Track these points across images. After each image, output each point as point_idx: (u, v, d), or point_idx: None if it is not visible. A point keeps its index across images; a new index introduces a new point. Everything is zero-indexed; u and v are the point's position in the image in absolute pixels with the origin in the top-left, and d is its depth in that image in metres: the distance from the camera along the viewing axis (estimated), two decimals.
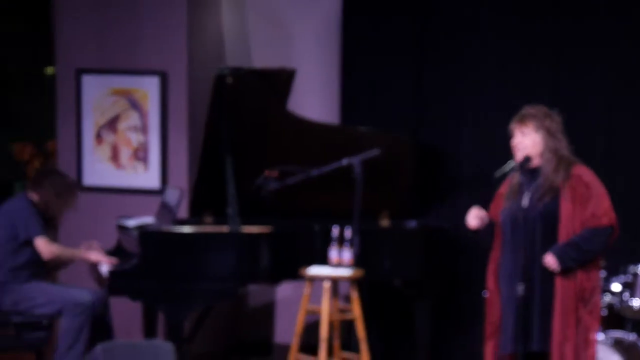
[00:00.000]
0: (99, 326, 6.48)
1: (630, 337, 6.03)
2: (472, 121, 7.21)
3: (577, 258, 5.00)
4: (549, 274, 5.02)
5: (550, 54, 7.02)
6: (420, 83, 7.34)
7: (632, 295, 6.11)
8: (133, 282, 6.27)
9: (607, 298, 6.16)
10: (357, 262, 6.23)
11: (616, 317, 6.20)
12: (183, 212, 6.92)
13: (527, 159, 5.11)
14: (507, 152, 5.29)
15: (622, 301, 6.13)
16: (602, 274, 6.00)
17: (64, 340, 6.37)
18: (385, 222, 6.92)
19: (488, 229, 5.23)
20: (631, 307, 6.11)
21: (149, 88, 7.47)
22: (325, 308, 6.17)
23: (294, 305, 7.33)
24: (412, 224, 6.88)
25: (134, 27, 7.47)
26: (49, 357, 6.61)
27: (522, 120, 5.14)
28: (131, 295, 6.35)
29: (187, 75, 7.41)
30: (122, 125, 7.55)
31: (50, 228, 6.63)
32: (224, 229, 6.37)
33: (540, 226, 5.05)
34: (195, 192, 6.83)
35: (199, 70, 7.47)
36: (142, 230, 6.41)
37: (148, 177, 7.53)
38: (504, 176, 5.21)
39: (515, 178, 5.18)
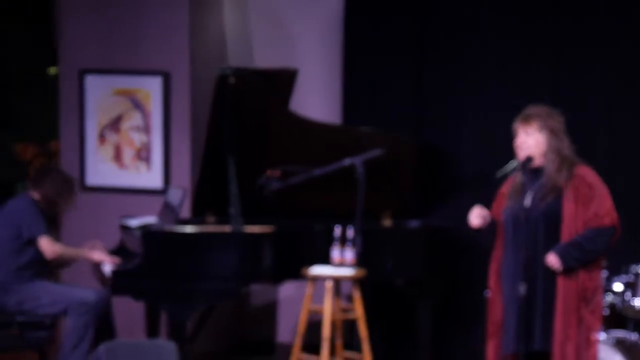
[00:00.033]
0: (102, 326, 6.48)
1: (632, 336, 6.02)
2: (473, 121, 7.21)
3: (580, 258, 5.00)
4: (551, 274, 5.02)
5: (551, 53, 7.03)
6: (421, 83, 7.34)
7: (634, 295, 6.11)
8: (136, 282, 6.27)
9: (609, 298, 6.15)
10: (359, 261, 6.23)
11: (618, 317, 6.19)
12: (186, 211, 6.93)
13: (529, 159, 5.11)
14: (508, 152, 5.29)
15: (623, 301, 6.12)
16: (604, 273, 6.00)
17: (69, 339, 6.37)
18: (387, 222, 6.93)
19: (490, 228, 5.23)
20: (633, 307, 6.10)
21: (151, 88, 7.48)
22: (327, 308, 6.18)
23: (296, 305, 7.34)
24: (414, 223, 6.88)
25: (136, 27, 7.47)
26: (52, 357, 6.63)
27: (526, 120, 5.14)
28: (134, 295, 6.36)
29: (190, 76, 7.42)
30: (124, 125, 7.55)
31: (52, 227, 6.64)
32: (227, 228, 6.37)
33: (542, 226, 5.05)
34: (197, 192, 6.84)
35: (201, 71, 7.48)
36: (145, 230, 6.42)
37: (151, 177, 7.53)
38: (506, 176, 5.21)
39: (518, 177, 5.18)
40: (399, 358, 7.35)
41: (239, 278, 6.26)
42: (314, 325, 6.62)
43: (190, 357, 6.45)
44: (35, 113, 10.08)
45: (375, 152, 6.31)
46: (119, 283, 6.32)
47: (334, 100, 7.66)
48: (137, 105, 7.52)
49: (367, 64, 7.46)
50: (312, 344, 6.53)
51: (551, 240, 5.04)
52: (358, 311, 6.27)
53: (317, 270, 6.27)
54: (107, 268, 6.51)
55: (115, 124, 7.57)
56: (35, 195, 6.55)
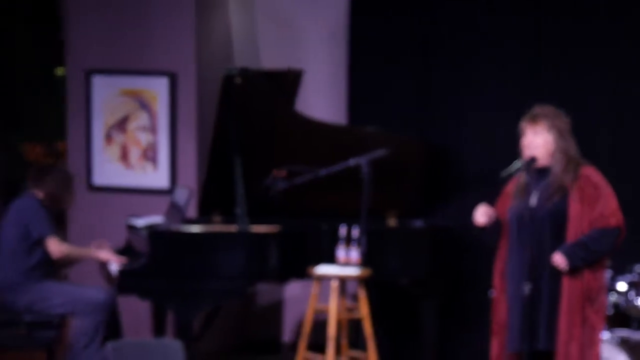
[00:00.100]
0: (108, 325, 6.49)
1: (636, 336, 6.02)
2: (477, 121, 7.21)
3: (586, 258, 5.00)
4: (556, 273, 5.02)
5: (554, 54, 7.04)
6: (426, 83, 7.36)
7: (638, 294, 6.11)
8: (142, 281, 6.30)
9: (613, 297, 6.16)
10: (365, 261, 6.25)
11: (622, 316, 6.20)
12: (192, 211, 6.94)
13: (533, 160, 5.11)
14: (512, 152, 5.28)
15: (627, 300, 6.14)
16: (608, 273, 6.02)
17: (80, 340, 6.39)
18: (392, 222, 6.94)
19: (495, 227, 5.22)
20: (637, 307, 6.11)
21: (158, 89, 7.50)
22: (333, 307, 6.20)
23: (302, 304, 7.36)
24: (418, 223, 6.89)
25: (143, 28, 7.49)
26: (60, 356, 6.65)
27: (534, 120, 5.13)
28: (140, 294, 6.38)
29: (196, 76, 7.44)
30: (131, 125, 7.57)
31: (59, 226, 6.67)
32: (233, 228, 6.38)
33: (548, 226, 5.05)
34: (204, 192, 6.85)
35: (207, 71, 7.50)
36: (152, 229, 6.43)
37: (157, 176, 7.55)
38: (510, 176, 5.21)
39: (522, 177, 5.18)
40: (404, 357, 7.35)
41: (245, 277, 6.27)
42: (319, 325, 6.64)
43: (196, 356, 6.45)
44: (42, 113, 10.10)
45: (380, 152, 6.32)
46: (126, 282, 6.34)
47: (339, 100, 7.67)
48: (144, 105, 7.54)
49: (372, 64, 7.47)
50: (317, 343, 6.54)
51: (557, 240, 5.03)
52: (363, 310, 6.28)
53: (323, 269, 6.29)
54: (114, 267, 6.53)
55: (121, 124, 7.59)
56: (39, 194, 6.57)
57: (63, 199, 6.68)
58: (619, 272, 6.19)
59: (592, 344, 5.05)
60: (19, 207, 6.55)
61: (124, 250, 6.80)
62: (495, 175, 5.26)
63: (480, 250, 6.48)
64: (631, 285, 6.15)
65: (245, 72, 6.50)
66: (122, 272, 6.37)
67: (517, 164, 5.14)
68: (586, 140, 5.24)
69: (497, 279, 5.27)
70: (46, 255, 6.45)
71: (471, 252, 6.98)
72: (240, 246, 6.28)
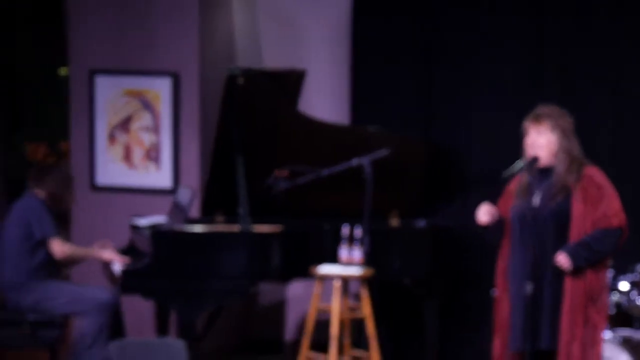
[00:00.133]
0: (112, 325, 6.51)
1: (638, 335, 6.03)
2: (480, 121, 7.22)
3: (589, 258, 5.00)
4: (558, 273, 5.02)
5: (557, 54, 7.05)
6: (428, 83, 7.36)
7: None
8: (145, 281, 6.31)
9: (615, 297, 6.16)
10: (367, 261, 6.26)
11: (624, 316, 6.20)
12: (195, 211, 6.96)
13: (535, 160, 5.11)
14: (514, 152, 5.29)
15: (629, 300, 6.14)
16: (610, 273, 6.03)
17: (85, 339, 6.40)
18: (394, 222, 6.94)
19: (498, 225, 5.21)
20: (639, 306, 6.11)
21: (161, 89, 7.51)
22: (335, 306, 6.21)
23: (304, 304, 7.36)
24: (421, 223, 6.89)
25: (146, 28, 7.49)
26: (63, 355, 6.66)
27: (538, 119, 5.12)
28: (144, 294, 6.39)
29: (199, 76, 7.45)
30: (134, 125, 7.59)
31: (62, 225, 6.68)
32: (236, 228, 6.39)
33: (551, 225, 5.05)
34: (206, 192, 6.86)
35: (210, 71, 7.51)
36: (155, 229, 6.45)
37: (160, 176, 7.56)
38: (512, 176, 5.21)
39: (525, 176, 5.18)
40: (407, 356, 7.36)
41: (247, 277, 6.29)
42: (322, 324, 6.65)
43: (199, 355, 6.46)
44: (46, 113, 10.11)
45: (383, 152, 6.33)
46: (129, 282, 6.36)
47: (342, 100, 7.68)
48: (147, 105, 7.55)
49: (375, 64, 7.48)
50: (320, 342, 6.55)
51: (559, 240, 5.04)
52: (366, 310, 6.30)
53: (325, 269, 6.30)
54: (117, 267, 6.55)
55: (125, 125, 7.60)
56: (40, 193, 6.58)
57: (64, 199, 6.70)
58: (621, 271, 6.20)
59: (594, 344, 5.05)
60: (22, 207, 6.56)
61: (127, 250, 6.81)
62: (497, 175, 5.26)
63: (482, 250, 6.49)
64: (633, 284, 6.16)
65: (248, 73, 6.52)
66: (126, 272, 6.38)
67: (519, 164, 5.14)
68: (586, 140, 5.24)
69: (499, 279, 5.27)
70: (49, 255, 6.47)
71: (473, 252, 6.99)
72: (243, 246, 6.29)
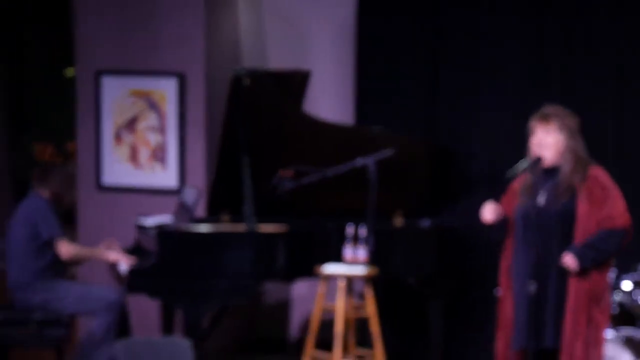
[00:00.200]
0: (118, 324, 6.54)
1: None
2: (484, 121, 7.23)
3: (595, 259, 5.01)
4: (563, 273, 5.03)
5: (560, 54, 7.06)
6: (433, 83, 7.38)
7: None
8: (151, 281, 6.32)
9: (618, 296, 6.16)
10: (372, 260, 6.28)
11: (627, 315, 6.20)
12: (200, 211, 6.97)
13: (538, 160, 5.11)
14: (518, 152, 5.30)
15: (632, 299, 6.15)
16: (613, 272, 6.04)
17: (92, 338, 6.43)
18: (399, 221, 6.95)
19: (502, 224, 5.22)
20: None
21: (167, 89, 7.53)
22: (340, 305, 6.22)
23: (309, 303, 7.39)
24: (425, 223, 6.89)
25: (152, 29, 7.51)
26: (69, 354, 6.69)
27: (546, 119, 5.12)
28: (150, 293, 6.40)
29: (205, 77, 7.46)
30: (140, 125, 7.61)
31: (68, 225, 6.70)
32: (241, 228, 6.41)
33: (556, 225, 5.06)
34: (212, 192, 6.87)
35: (216, 72, 7.52)
36: (161, 229, 6.46)
37: (166, 176, 7.59)
38: (516, 176, 5.22)
39: (529, 175, 5.17)
40: (411, 355, 7.37)
41: (253, 277, 6.29)
42: (326, 323, 6.66)
43: (204, 354, 6.48)
44: (52, 114, 10.14)
45: (387, 153, 6.34)
46: (135, 281, 6.38)
47: (346, 100, 7.69)
48: (153, 106, 7.57)
49: (379, 64, 7.49)
50: (324, 341, 6.55)
51: (564, 239, 5.05)
52: (370, 309, 6.31)
53: (330, 268, 6.31)
54: (123, 267, 6.57)
55: (131, 125, 7.62)
56: (45, 193, 6.61)
57: (67, 198, 6.74)
58: (624, 271, 6.20)
59: (596, 343, 5.07)
60: (27, 208, 6.59)
61: (133, 250, 6.82)
62: (500, 175, 5.27)
63: (486, 249, 6.52)
64: (636, 284, 6.16)
65: (253, 73, 6.52)
66: (132, 272, 6.41)
67: (522, 164, 5.14)
68: (587, 140, 5.26)
69: (502, 277, 5.28)
70: (56, 255, 6.49)
71: (477, 251, 7.00)
72: (249, 246, 6.30)
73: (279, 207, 6.60)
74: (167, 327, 7.03)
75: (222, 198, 6.82)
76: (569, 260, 5.00)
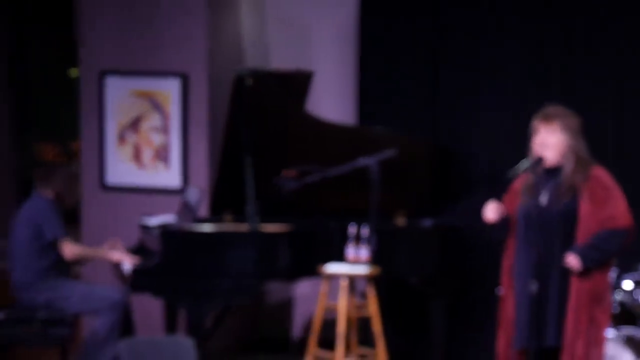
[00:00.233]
0: (122, 323, 6.56)
1: None
2: (486, 121, 7.23)
3: (598, 259, 5.02)
4: (565, 273, 5.04)
5: (561, 54, 7.06)
6: (435, 83, 7.38)
7: None
8: (155, 280, 6.34)
9: (619, 295, 6.17)
10: (374, 259, 6.30)
11: (628, 314, 6.21)
12: (204, 211, 7.00)
13: (540, 160, 5.12)
14: (520, 152, 5.31)
15: (633, 299, 6.16)
16: (614, 271, 6.05)
17: (98, 336, 6.44)
18: (401, 221, 6.96)
19: (504, 223, 5.23)
20: None
21: (170, 89, 7.54)
22: (342, 305, 6.24)
23: (311, 302, 7.39)
24: (427, 222, 6.89)
25: (155, 30, 7.53)
26: (73, 353, 6.71)
27: (548, 119, 5.13)
28: (153, 293, 6.42)
29: (208, 77, 7.48)
30: (144, 126, 7.63)
31: (72, 225, 6.72)
32: (244, 227, 6.42)
33: (559, 225, 5.06)
34: (215, 192, 6.88)
35: (219, 72, 7.54)
36: (164, 229, 6.47)
37: (169, 176, 7.60)
38: (517, 175, 5.22)
39: (531, 175, 5.19)
40: (413, 354, 7.38)
41: (256, 276, 6.29)
42: (329, 323, 6.68)
43: (207, 353, 6.49)
44: (56, 114, 10.14)
45: (389, 153, 6.36)
46: (139, 281, 6.40)
47: (348, 101, 7.71)
48: (156, 106, 7.59)
49: (381, 65, 7.50)
50: (327, 340, 6.58)
51: (567, 239, 5.05)
52: (372, 308, 6.33)
53: (333, 268, 6.33)
54: (127, 267, 6.58)
55: (134, 125, 7.64)
56: (48, 193, 6.63)
57: (69, 198, 6.76)
58: (625, 270, 6.20)
59: (598, 343, 5.07)
60: (31, 208, 6.60)
61: (137, 249, 6.83)
62: (502, 175, 5.27)
63: (488, 249, 6.54)
64: (637, 283, 6.16)
65: (256, 73, 6.53)
66: (135, 271, 6.43)
67: (524, 164, 5.14)
68: (587, 140, 5.27)
69: (504, 277, 5.28)
70: (59, 255, 6.50)
71: (479, 251, 7.00)
72: (251, 245, 6.31)
73: (282, 206, 6.62)
74: (171, 327, 7.04)
75: (225, 198, 6.84)
76: (572, 260, 5.00)
